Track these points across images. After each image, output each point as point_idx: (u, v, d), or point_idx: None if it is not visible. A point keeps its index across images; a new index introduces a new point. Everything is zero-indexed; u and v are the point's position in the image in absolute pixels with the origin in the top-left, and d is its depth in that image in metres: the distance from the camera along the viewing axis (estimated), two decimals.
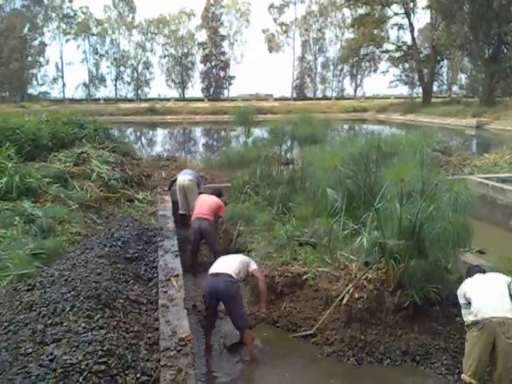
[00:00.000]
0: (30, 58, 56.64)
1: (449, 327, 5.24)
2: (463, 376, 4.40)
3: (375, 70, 63.84)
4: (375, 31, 50.06)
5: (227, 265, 5.31)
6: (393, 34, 61.11)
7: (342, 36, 66.03)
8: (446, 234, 4.77)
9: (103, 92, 63.06)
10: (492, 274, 4.68)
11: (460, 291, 4.59)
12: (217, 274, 5.20)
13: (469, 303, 4.45)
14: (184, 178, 9.03)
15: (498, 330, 4.18)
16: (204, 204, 7.63)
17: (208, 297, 5.19)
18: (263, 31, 66.74)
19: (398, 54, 52.12)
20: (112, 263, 5.49)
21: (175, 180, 9.38)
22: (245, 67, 76.09)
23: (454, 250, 5.26)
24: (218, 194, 8.02)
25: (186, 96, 63.64)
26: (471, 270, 4.86)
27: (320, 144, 8.37)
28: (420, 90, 52.53)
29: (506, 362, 4.21)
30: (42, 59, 58.45)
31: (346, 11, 60.04)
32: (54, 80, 60.45)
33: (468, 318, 4.42)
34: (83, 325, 3.91)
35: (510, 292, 4.39)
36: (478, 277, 4.65)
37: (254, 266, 5.61)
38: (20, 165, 8.22)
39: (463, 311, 4.53)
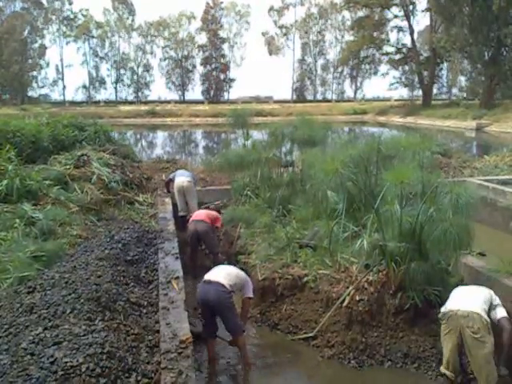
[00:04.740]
0: (30, 61, 56.79)
1: None
2: (440, 368, 4.55)
3: (375, 73, 64.07)
4: (375, 33, 50.32)
5: (223, 274, 5.03)
6: (393, 36, 61.44)
7: (342, 38, 66.38)
8: (447, 235, 4.77)
9: (103, 94, 63.34)
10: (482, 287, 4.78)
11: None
12: (209, 282, 4.95)
13: None
14: (182, 179, 9.04)
15: (462, 323, 4.26)
16: (202, 212, 7.83)
17: (201, 307, 5.08)
18: (263, 34, 67.02)
19: (397, 57, 52.24)
20: (112, 265, 5.48)
21: (170, 180, 9.41)
22: (245, 70, 76.70)
23: (455, 251, 5.25)
24: (217, 211, 8.13)
25: (186, 98, 63.77)
26: None
27: (320, 146, 8.38)
28: (420, 92, 52.61)
29: (475, 355, 4.26)
30: (42, 62, 58.71)
31: (346, 13, 60.41)
32: (55, 82, 60.74)
33: (440, 310, 4.65)
34: (84, 327, 3.90)
35: (491, 302, 4.48)
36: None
37: (249, 294, 5.22)
38: (20, 167, 8.21)
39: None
